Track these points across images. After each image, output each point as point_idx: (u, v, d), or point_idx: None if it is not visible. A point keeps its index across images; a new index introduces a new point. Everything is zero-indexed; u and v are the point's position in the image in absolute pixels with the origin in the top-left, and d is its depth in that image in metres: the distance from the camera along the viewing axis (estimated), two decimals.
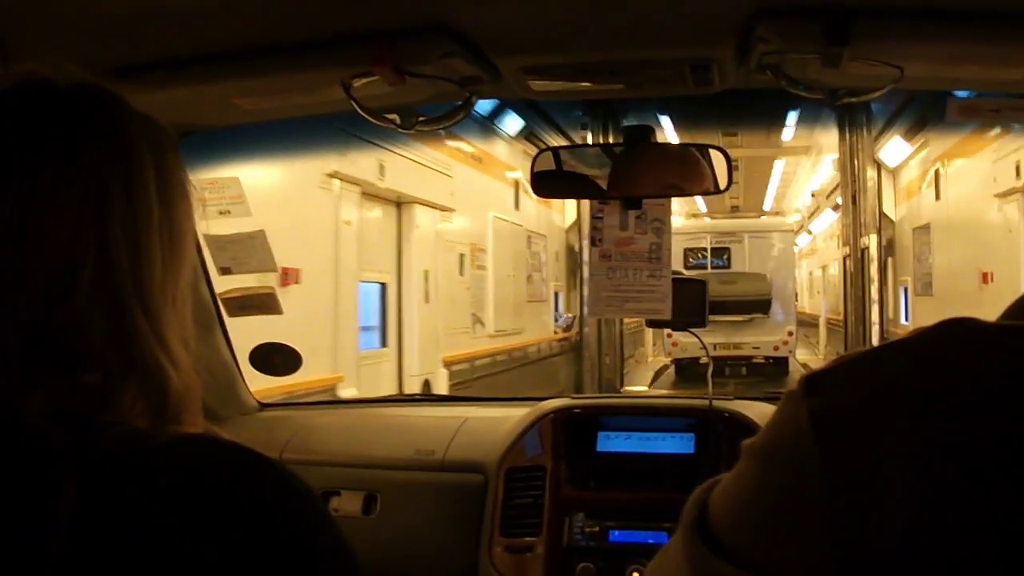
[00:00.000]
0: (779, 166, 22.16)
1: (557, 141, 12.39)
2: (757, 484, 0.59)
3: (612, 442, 1.89)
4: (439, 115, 1.54)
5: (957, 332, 0.57)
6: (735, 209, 25.77)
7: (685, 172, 1.65)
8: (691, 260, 17.76)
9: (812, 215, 25.22)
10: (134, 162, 0.70)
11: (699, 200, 22.14)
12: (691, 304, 1.80)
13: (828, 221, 21.84)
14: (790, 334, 17.34)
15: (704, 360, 15.62)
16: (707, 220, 21.92)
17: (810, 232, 26.72)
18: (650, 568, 0.70)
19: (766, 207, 27.08)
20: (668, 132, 12.94)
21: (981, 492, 0.50)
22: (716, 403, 1.88)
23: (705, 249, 18.01)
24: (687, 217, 21.77)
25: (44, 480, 0.60)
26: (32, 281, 0.64)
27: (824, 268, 24.00)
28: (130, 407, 0.65)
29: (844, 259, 15.17)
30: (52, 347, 0.64)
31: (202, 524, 0.61)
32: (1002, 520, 0.50)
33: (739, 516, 0.59)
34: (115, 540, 0.59)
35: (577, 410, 1.96)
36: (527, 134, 12.11)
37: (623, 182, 1.66)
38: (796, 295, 22.26)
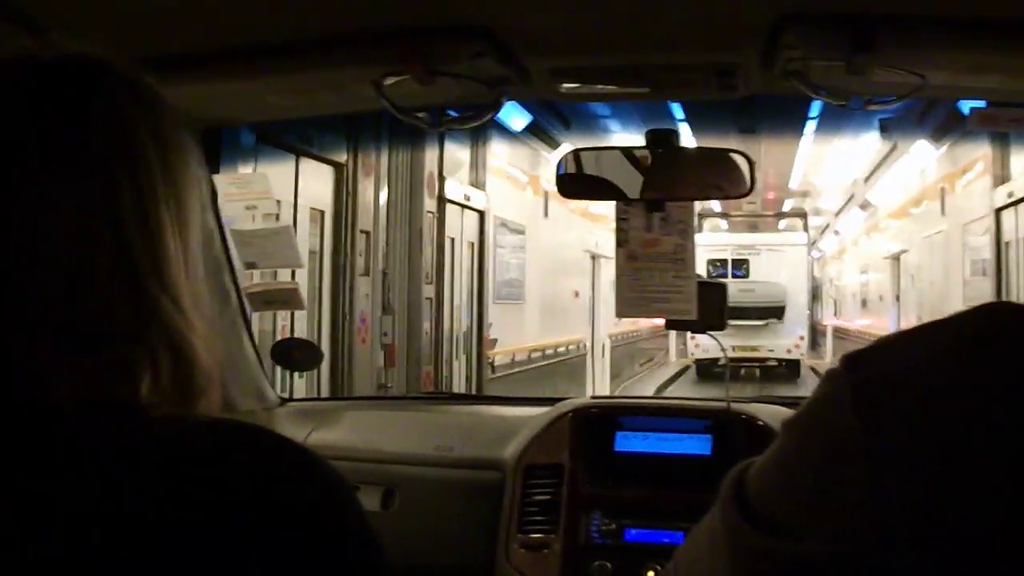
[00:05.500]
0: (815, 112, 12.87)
1: None
2: (797, 455, 0.59)
3: (630, 442, 1.90)
4: (468, 114, 1.57)
5: (999, 314, 0.58)
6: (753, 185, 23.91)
7: (710, 177, 1.68)
8: (712, 270, 19.92)
9: (871, 176, 17.34)
10: (131, 135, 0.69)
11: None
12: (712, 307, 1.82)
13: (918, 167, 13.29)
14: (801, 338, 20.20)
15: (723, 362, 16.27)
16: (728, 235, 23.69)
17: (866, 206, 19.23)
18: (682, 549, 0.70)
19: (792, 185, 22.39)
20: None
21: (1015, 463, 0.52)
22: (734, 406, 1.89)
23: (726, 261, 20.62)
24: (705, 219, 22.68)
25: (64, 462, 0.60)
26: (51, 266, 0.64)
27: (897, 258, 15.44)
28: (155, 379, 0.65)
29: (996, 213, 8.81)
30: (78, 328, 0.64)
31: (234, 508, 0.60)
32: None
33: (780, 487, 0.60)
34: (141, 523, 0.58)
35: (595, 410, 1.97)
36: None
37: (650, 185, 1.69)
38: (834, 304, 24.86)
